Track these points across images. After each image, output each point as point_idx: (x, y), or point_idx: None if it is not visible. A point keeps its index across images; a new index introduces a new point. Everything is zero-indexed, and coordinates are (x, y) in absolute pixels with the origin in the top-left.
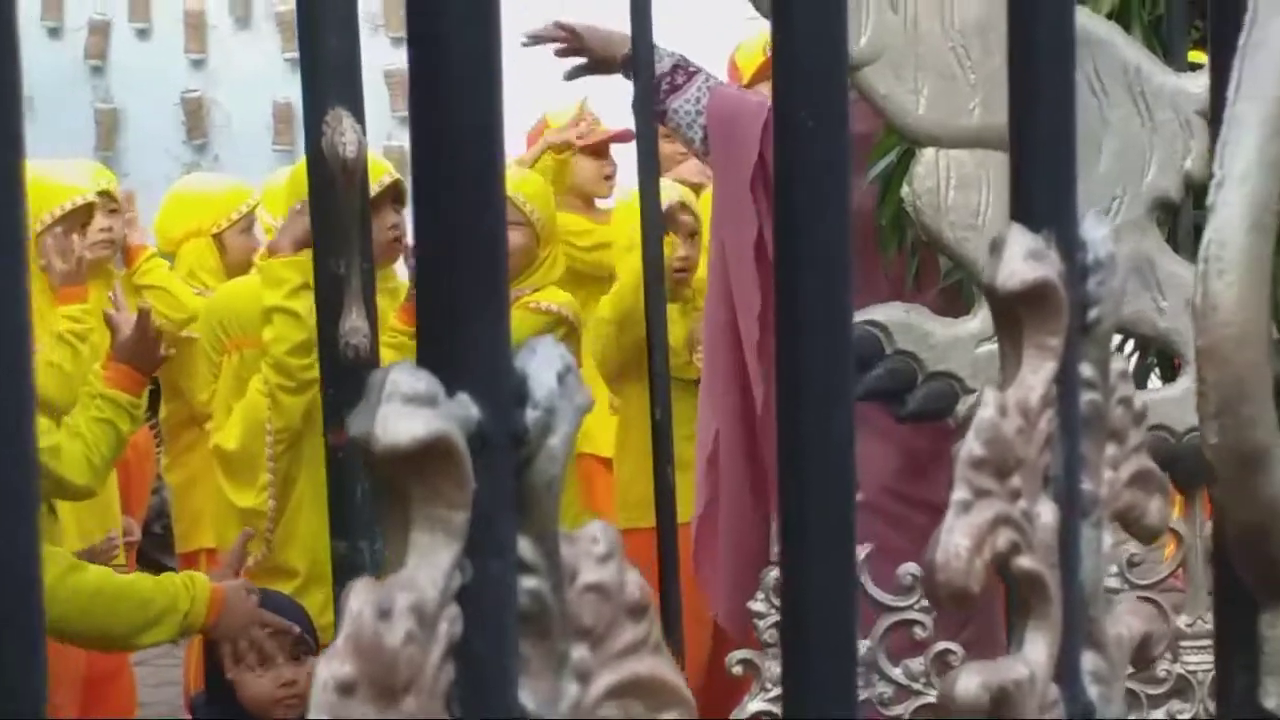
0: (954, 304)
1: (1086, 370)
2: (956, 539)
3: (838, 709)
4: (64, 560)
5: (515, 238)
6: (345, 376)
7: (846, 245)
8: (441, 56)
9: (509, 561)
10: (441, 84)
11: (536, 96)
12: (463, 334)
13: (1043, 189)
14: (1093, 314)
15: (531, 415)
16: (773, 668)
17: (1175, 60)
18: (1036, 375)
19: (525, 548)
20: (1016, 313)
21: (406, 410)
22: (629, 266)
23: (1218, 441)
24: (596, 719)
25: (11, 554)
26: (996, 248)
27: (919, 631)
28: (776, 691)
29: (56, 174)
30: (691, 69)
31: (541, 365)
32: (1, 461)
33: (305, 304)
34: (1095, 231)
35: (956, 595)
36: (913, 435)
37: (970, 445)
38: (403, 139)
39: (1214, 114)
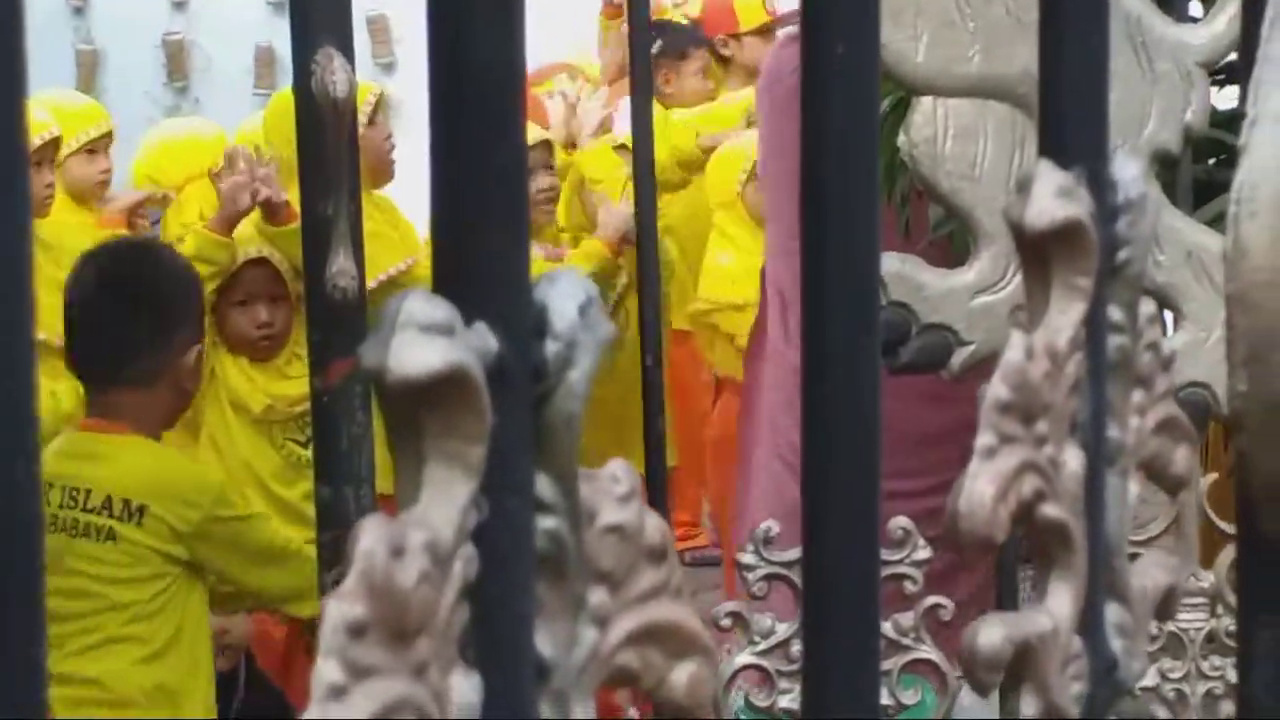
0: (944, 256)
1: (1115, 313)
2: (981, 486)
3: (860, 683)
4: None
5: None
6: (332, 319)
7: (874, 191)
8: None
9: (526, 500)
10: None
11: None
12: (481, 261)
13: (1074, 125)
14: (1123, 255)
15: (551, 348)
16: (761, 621)
17: (1175, 11)
18: (1065, 317)
19: (543, 486)
20: (1045, 252)
21: (422, 339)
22: None
23: (1247, 390)
24: (614, 666)
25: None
26: (1024, 185)
27: (909, 586)
28: (764, 645)
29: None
30: None
31: (562, 296)
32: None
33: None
34: (1127, 171)
35: (980, 544)
36: None
37: (997, 389)
38: (384, 85)
39: (1246, 51)
